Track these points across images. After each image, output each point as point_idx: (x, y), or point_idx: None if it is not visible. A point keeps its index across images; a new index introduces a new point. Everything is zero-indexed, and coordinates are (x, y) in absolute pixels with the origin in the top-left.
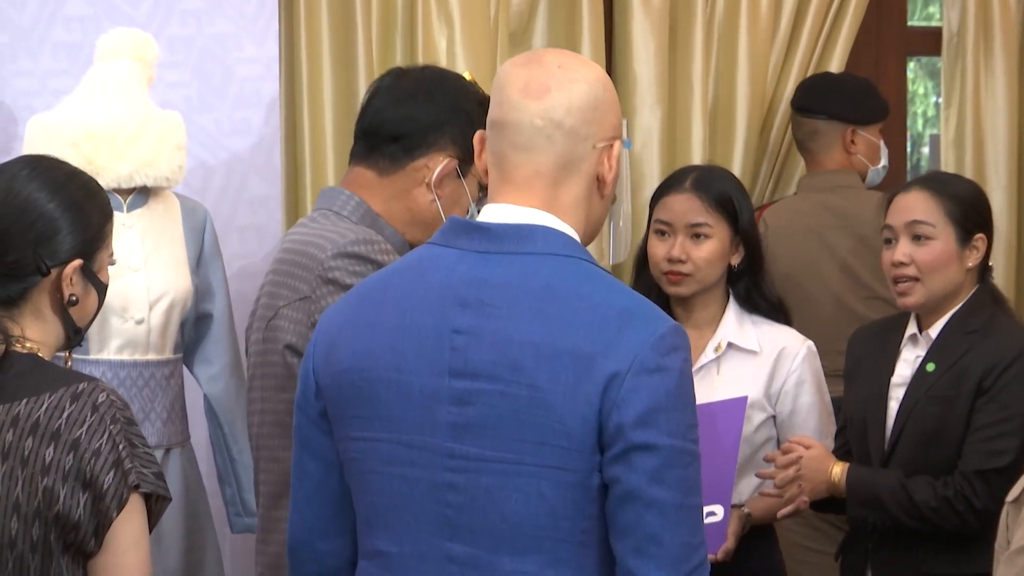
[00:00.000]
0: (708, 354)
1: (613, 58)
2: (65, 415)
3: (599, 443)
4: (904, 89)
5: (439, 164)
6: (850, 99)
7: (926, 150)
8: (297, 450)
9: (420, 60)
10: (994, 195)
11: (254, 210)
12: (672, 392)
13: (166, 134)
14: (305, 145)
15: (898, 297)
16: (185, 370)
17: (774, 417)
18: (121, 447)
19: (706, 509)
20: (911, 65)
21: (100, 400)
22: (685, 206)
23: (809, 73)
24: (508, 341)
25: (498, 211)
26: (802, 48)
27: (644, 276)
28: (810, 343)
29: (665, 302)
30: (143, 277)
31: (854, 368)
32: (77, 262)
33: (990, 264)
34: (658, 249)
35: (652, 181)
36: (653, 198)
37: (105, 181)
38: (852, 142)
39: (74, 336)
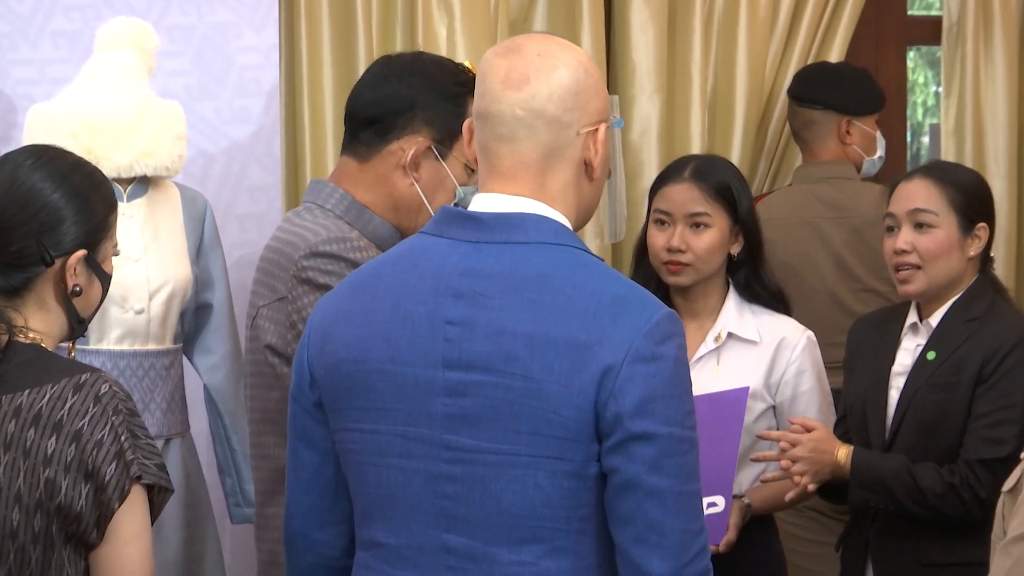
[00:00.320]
0: (708, 344)
1: (612, 46)
2: (67, 406)
3: (596, 433)
4: (904, 78)
5: (414, 147)
6: (846, 89)
7: (926, 139)
8: (292, 440)
9: (420, 49)
10: (994, 184)
11: (254, 199)
12: (668, 380)
13: (166, 124)
14: (305, 133)
15: (899, 284)
16: (185, 360)
17: (774, 407)
18: (123, 438)
19: (707, 500)
20: (911, 54)
21: (103, 391)
22: (685, 196)
23: (809, 62)
24: (501, 332)
25: (488, 200)
26: (802, 37)
27: (644, 266)
28: (810, 333)
29: (665, 292)
30: (143, 267)
31: (854, 358)
32: (81, 252)
33: (991, 255)
34: (657, 239)
35: (651, 169)
36: (652, 188)
37: (105, 171)
38: (847, 132)
39: (77, 327)
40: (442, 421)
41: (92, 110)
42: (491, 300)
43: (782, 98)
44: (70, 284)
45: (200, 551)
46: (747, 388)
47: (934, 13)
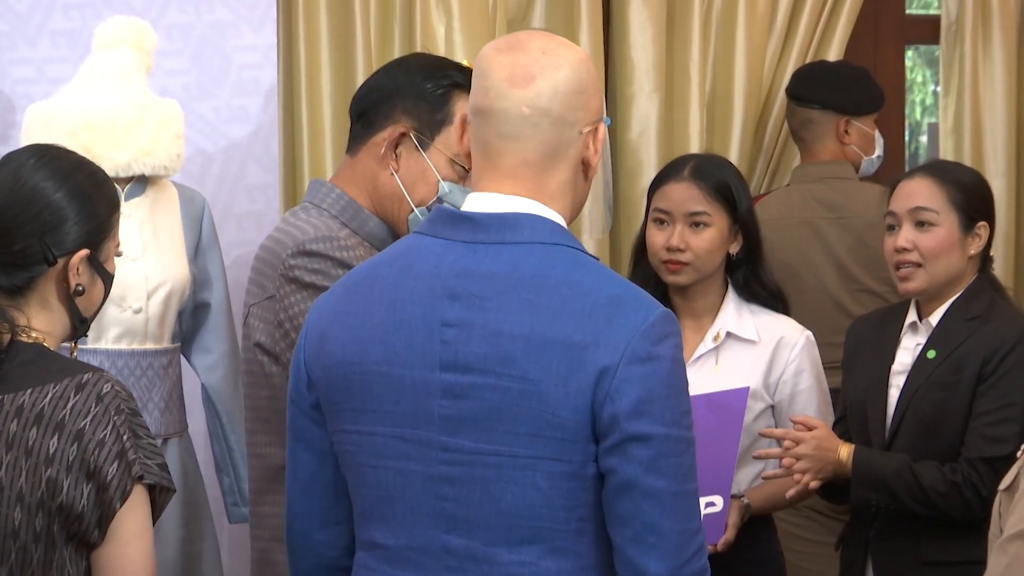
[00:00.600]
0: (707, 343)
1: (611, 45)
2: (69, 405)
3: (593, 433)
4: (902, 77)
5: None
6: (844, 89)
7: (924, 138)
8: (291, 441)
9: (418, 48)
10: (992, 183)
11: (252, 198)
12: (664, 381)
13: (164, 123)
14: (303, 133)
15: (899, 282)
16: (183, 359)
17: (772, 407)
18: (125, 438)
19: (706, 499)
20: (909, 53)
21: (105, 391)
22: (684, 195)
23: (807, 61)
24: (498, 333)
25: (483, 200)
26: (800, 36)
27: (642, 265)
28: (808, 333)
29: (663, 291)
30: (141, 266)
31: (853, 357)
32: (84, 252)
33: (991, 255)
34: (657, 238)
35: (649, 168)
36: (651, 187)
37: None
38: (845, 132)
39: (80, 326)
40: (440, 423)
41: (91, 109)
42: (487, 301)
43: (780, 97)
44: (72, 284)
45: (198, 550)
46: (747, 388)
47: (932, 12)
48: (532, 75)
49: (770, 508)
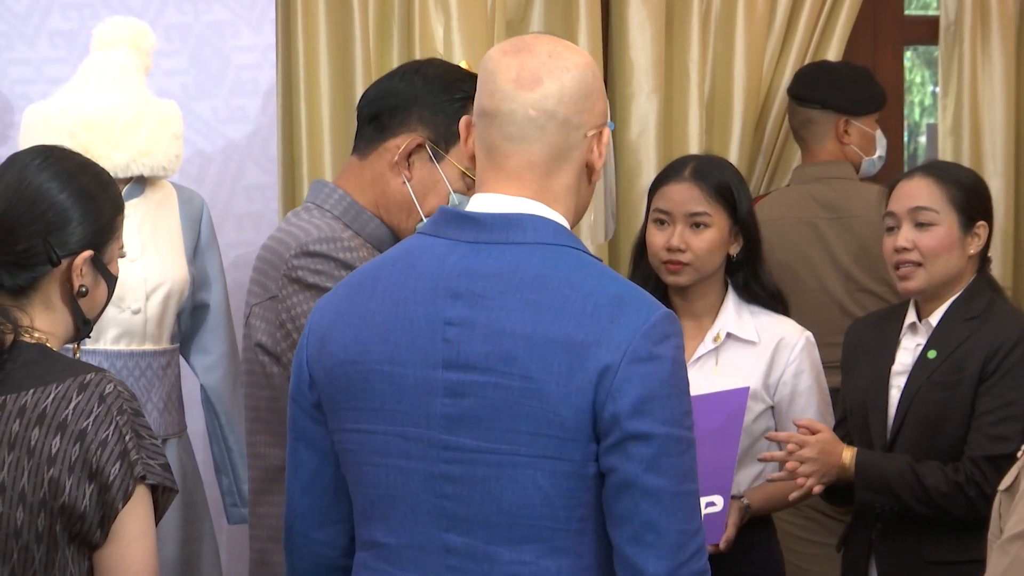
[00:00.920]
0: (707, 344)
1: (610, 45)
2: (72, 406)
3: (594, 432)
4: (901, 78)
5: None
6: (844, 89)
7: (923, 139)
8: (292, 441)
9: (417, 49)
10: (991, 183)
11: (251, 198)
12: (666, 380)
13: (163, 123)
14: (302, 133)
15: (899, 282)
16: (182, 360)
17: (772, 407)
18: (128, 438)
19: (706, 499)
20: (908, 54)
21: (107, 391)
22: (684, 195)
23: (806, 62)
24: (500, 332)
25: (487, 201)
26: (799, 36)
27: (642, 265)
28: (808, 333)
29: (663, 292)
30: (140, 267)
31: (852, 358)
32: (87, 253)
33: (989, 255)
34: (657, 238)
35: (649, 169)
36: (652, 187)
37: None
38: (845, 132)
39: (83, 327)
40: (441, 421)
41: (89, 109)
42: (490, 300)
43: (780, 97)
44: (76, 284)
45: (197, 551)
46: (747, 388)
47: (931, 13)
48: (539, 78)
49: (770, 509)
